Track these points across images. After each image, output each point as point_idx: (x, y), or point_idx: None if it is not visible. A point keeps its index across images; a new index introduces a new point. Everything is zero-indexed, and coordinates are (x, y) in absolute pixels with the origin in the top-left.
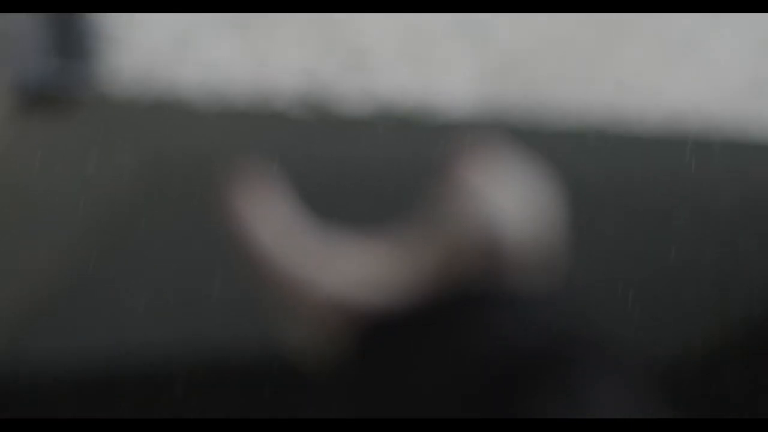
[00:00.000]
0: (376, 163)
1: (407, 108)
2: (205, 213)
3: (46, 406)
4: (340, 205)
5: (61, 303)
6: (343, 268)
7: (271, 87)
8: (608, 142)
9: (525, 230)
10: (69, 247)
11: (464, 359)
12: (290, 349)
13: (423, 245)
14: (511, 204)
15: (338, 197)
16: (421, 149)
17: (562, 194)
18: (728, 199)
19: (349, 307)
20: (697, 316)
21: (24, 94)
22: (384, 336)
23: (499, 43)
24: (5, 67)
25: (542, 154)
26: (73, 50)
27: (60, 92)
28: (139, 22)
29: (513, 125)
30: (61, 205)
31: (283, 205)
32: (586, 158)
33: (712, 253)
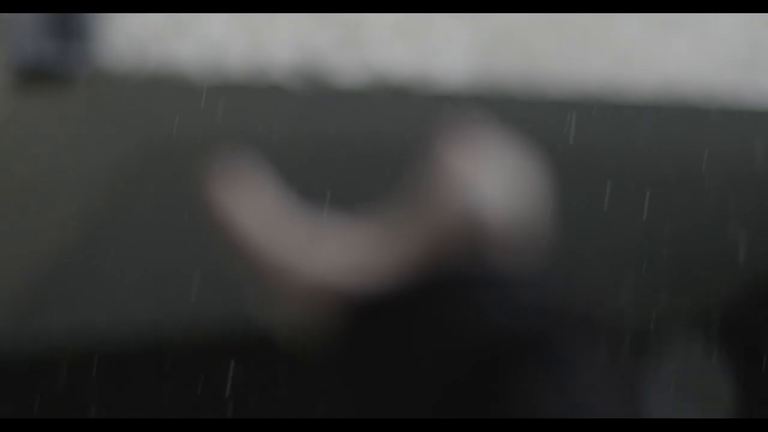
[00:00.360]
0: (371, 135)
1: (402, 80)
2: (197, 194)
3: (48, 376)
4: (335, 175)
5: (59, 278)
6: (328, 252)
7: (267, 60)
8: (604, 111)
9: (507, 211)
10: (66, 223)
11: (448, 340)
12: (277, 330)
13: (407, 228)
14: (494, 185)
15: (333, 167)
16: (416, 121)
17: (549, 171)
18: (723, 165)
19: (335, 290)
20: (689, 285)
21: (21, 71)
22: (370, 318)
23: (494, 15)
24: (2, 45)
25: (536, 124)
26: (70, 28)
27: (57, 69)
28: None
29: (507, 96)
30: (58, 181)
31: (267, 190)
32: (582, 127)
33: (706, 221)
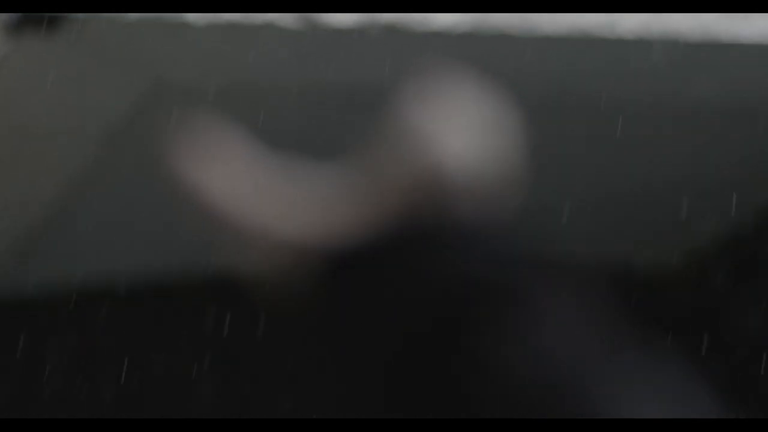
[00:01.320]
0: (360, 71)
1: (391, 20)
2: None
3: (42, 321)
4: (322, 118)
5: (54, 224)
6: (301, 209)
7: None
8: (582, 47)
9: (476, 162)
10: (60, 168)
11: (417, 291)
12: (255, 284)
13: (376, 182)
14: (463, 137)
15: (323, 111)
16: (401, 61)
17: (529, 114)
18: (702, 100)
19: (308, 246)
20: (666, 229)
21: (15, 15)
22: (342, 272)
23: None
24: None
25: (516, 62)
26: None
27: (51, 12)
28: None
29: (490, 34)
30: (53, 124)
31: (240, 150)
32: (573, 66)
33: (685, 161)
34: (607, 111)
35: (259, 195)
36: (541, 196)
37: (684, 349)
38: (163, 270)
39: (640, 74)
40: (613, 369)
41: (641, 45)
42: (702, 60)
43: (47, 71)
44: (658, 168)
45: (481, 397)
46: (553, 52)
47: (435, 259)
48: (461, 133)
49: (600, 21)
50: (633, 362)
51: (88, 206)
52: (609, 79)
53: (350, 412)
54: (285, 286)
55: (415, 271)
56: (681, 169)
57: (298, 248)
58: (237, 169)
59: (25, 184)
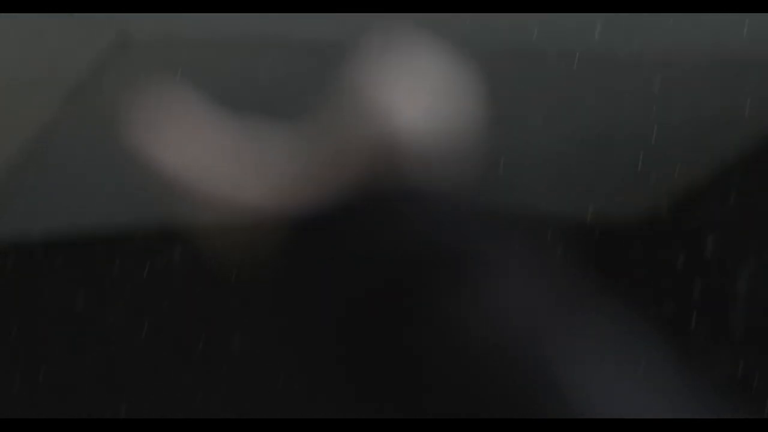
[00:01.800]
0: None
1: None
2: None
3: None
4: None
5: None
6: (256, 172)
7: None
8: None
9: (432, 127)
10: (22, 124)
11: (372, 255)
12: (215, 251)
13: (330, 145)
14: (417, 100)
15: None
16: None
17: (475, 81)
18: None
19: (262, 209)
20: (623, 182)
21: None
22: (296, 236)
23: None
24: None
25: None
26: None
27: None
28: None
29: None
30: (18, 81)
31: (199, 110)
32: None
33: (639, 113)
34: (561, 66)
35: (218, 156)
36: (498, 154)
37: (641, 302)
38: (120, 222)
39: (591, 28)
40: (571, 328)
41: None
42: (655, 13)
43: (10, 25)
44: (612, 121)
45: (437, 359)
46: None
47: (391, 222)
48: (417, 96)
49: None
50: (591, 320)
51: (50, 157)
52: (560, 33)
53: (305, 374)
54: (241, 248)
55: (372, 234)
56: (636, 121)
57: (255, 211)
58: (196, 129)
59: None
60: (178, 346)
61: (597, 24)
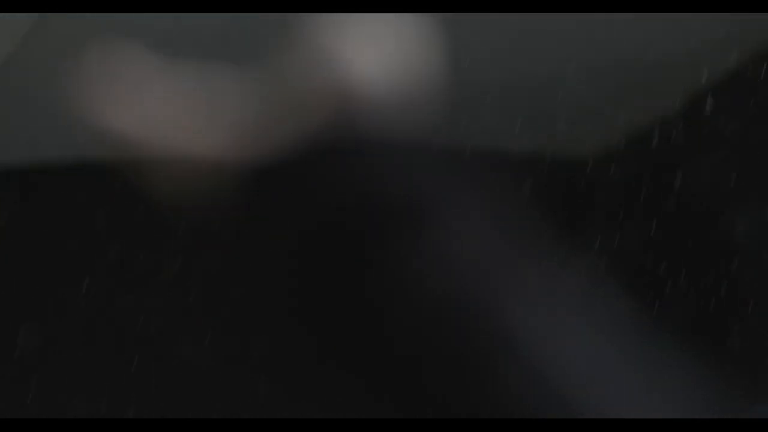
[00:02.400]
0: None
1: None
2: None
3: None
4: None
5: None
6: (208, 125)
7: None
8: None
9: (384, 79)
10: None
11: (322, 210)
12: (169, 203)
13: (284, 96)
14: (371, 50)
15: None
16: None
17: (434, 41)
18: None
19: (216, 161)
20: (577, 121)
21: None
22: (251, 188)
23: None
24: None
25: None
26: None
27: None
28: None
29: None
30: None
31: (150, 63)
32: None
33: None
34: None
35: (171, 110)
36: (453, 96)
37: (595, 245)
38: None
39: None
40: (525, 274)
41: None
42: None
43: None
44: (566, 59)
45: (388, 307)
46: None
47: (346, 173)
48: (372, 47)
49: None
50: (545, 268)
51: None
52: None
53: (258, 323)
54: (196, 200)
55: (327, 185)
56: (589, 61)
57: (209, 163)
58: (147, 84)
59: None
60: (129, 277)
61: None
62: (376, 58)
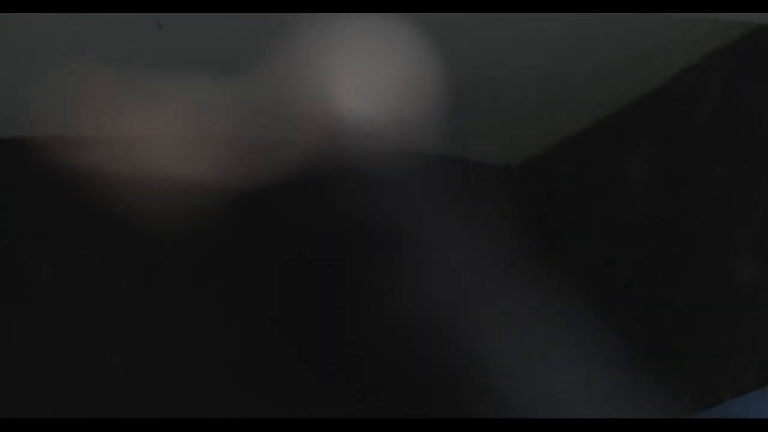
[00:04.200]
0: None
1: None
2: None
3: None
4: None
5: None
6: (196, 149)
7: None
8: None
9: (374, 108)
10: None
11: (308, 232)
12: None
13: (273, 123)
14: (362, 82)
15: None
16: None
17: (434, 66)
18: None
19: (202, 185)
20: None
21: None
22: (236, 210)
23: None
24: None
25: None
26: None
27: None
28: None
29: None
30: None
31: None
32: None
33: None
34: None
35: (152, 128)
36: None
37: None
38: None
39: None
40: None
41: None
42: None
43: None
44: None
45: (364, 328)
46: None
47: (329, 201)
48: (362, 78)
49: None
50: (516, 291)
51: None
52: None
53: (241, 336)
54: (182, 222)
55: (309, 212)
56: (525, 63)
57: (195, 186)
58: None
59: None
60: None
61: None
62: (365, 91)
